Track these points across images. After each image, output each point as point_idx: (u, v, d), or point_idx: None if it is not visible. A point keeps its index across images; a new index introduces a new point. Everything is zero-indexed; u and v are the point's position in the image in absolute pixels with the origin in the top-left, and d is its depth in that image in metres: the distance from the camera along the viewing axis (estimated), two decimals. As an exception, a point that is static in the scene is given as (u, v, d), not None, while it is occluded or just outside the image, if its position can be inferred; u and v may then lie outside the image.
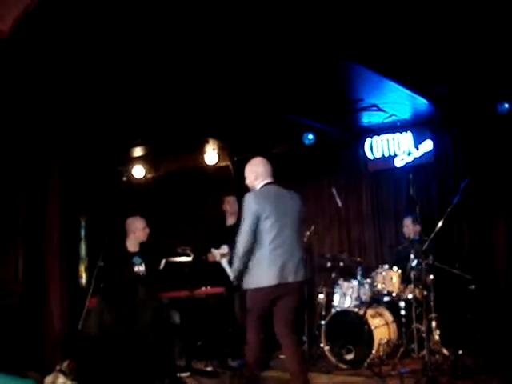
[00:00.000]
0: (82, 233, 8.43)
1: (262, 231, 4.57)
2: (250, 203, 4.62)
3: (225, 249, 6.87)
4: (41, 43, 4.82)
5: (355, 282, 6.71)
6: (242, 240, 4.60)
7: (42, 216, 6.40)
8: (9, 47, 4.47)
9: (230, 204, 7.22)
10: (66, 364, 5.03)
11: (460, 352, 5.54)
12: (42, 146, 6.44)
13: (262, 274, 4.55)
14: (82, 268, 8.20)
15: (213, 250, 6.93)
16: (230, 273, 6.53)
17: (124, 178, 7.50)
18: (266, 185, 4.81)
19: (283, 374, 5.87)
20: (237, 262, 4.68)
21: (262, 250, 4.58)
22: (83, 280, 8.13)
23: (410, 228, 6.96)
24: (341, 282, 6.84)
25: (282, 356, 6.17)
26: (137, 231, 6.11)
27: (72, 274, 6.90)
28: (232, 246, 6.80)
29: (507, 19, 4.90)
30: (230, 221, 7.21)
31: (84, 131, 7.05)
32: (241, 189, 8.30)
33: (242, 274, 4.69)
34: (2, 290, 5.98)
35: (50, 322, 6.23)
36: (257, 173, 4.85)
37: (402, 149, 7.95)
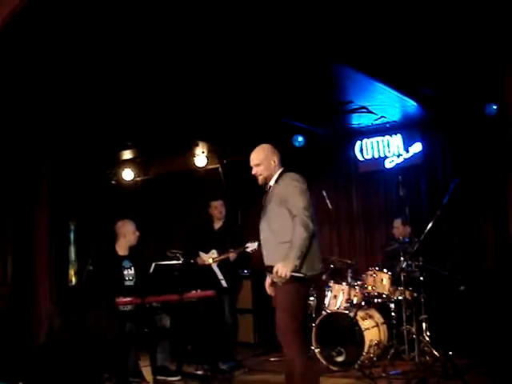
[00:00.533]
0: (72, 236, 8.39)
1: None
2: (303, 183, 4.21)
3: (214, 253, 6.85)
4: (28, 46, 4.81)
5: (346, 284, 6.71)
6: (310, 223, 4.05)
7: (31, 219, 6.39)
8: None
9: (217, 209, 7.17)
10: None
11: (450, 353, 5.55)
12: (31, 149, 6.44)
13: (315, 259, 4.17)
14: (72, 272, 8.16)
15: (201, 254, 6.91)
16: (220, 276, 6.55)
17: (113, 181, 7.49)
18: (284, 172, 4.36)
19: (273, 376, 5.89)
20: (301, 248, 4.02)
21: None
22: (72, 283, 8.09)
23: (399, 229, 7.00)
24: (331, 284, 6.84)
25: (272, 359, 6.20)
26: (127, 234, 6.08)
27: (61, 278, 6.87)
28: (220, 249, 6.81)
29: (494, 21, 4.93)
30: (217, 225, 7.18)
31: (73, 135, 7.03)
32: (230, 191, 8.36)
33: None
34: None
35: (38, 324, 6.20)
36: (278, 159, 4.37)
37: (391, 150, 7.98)
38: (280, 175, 4.31)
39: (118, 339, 5.16)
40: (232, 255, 6.66)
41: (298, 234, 4.00)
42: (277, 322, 4.10)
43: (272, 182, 4.33)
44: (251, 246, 6.40)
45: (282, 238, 4.10)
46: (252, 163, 4.38)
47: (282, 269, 3.94)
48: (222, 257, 6.73)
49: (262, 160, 4.33)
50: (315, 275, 4.21)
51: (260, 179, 4.37)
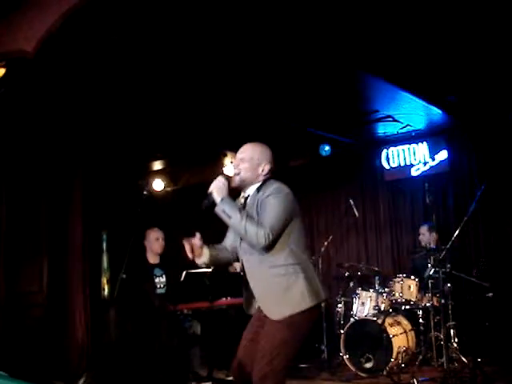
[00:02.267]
0: (104, 245, 8.56)
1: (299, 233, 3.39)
2: (290, 200, 3.35)
3: None
4: (64, 62, 4.98)
5: (373, 291, 6.75)
6: (270, 236, 3.19)
7: (66, 229, 6.54)
8: (35, 66, 4.64)
9: None
10: (83, 378, 5.13)
11: (479, 360, 5.56)
12: (65, 161, 6.59)
13: (318, 286, 3.29)
14: (104, 280, 8.31)
15: (234, 263, 7.01)
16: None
17: (145, 192, 7.62)
18: (272, 178, 3.53)
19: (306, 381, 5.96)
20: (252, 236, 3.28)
21: (297, 255, 3.29)
22: (105, 292, 8.25)
23: (426, 236, 6.99)
24: (359, 291, 6.88)
25: (302, 365, 6.25)
26: (151, 242, 6.21)
27: (95, 286, 7.02)
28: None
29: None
30: None
31: (105, 146, 7.20)
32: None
33: None
34: (27, 301, 6.12)
35: (73, 332, 6.35)
36: (268, 170, 3.53)
37: (417, 158, 8.02)
38: (264, 183, 3.46)
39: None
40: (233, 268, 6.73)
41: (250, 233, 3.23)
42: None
43: (251, 191, 3.51)
44: None
45: (273, 262, 3.28)
46: (237, 155, 3.61)
47: None
48: None
49: (249, 158, 3.54)
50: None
51: (235, 179, 3.55)
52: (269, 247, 3.23)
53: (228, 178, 3.52)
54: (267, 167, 3.52)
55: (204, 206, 3.57)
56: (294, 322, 3.18)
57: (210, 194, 3.49)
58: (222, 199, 3.43)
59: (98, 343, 5.33)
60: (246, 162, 3.52)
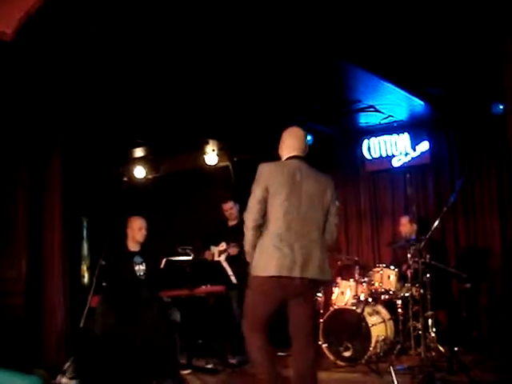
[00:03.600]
0: (84, 232, 8.51)
1: (269, 208, 3.80)
2: (261, 173, 3.88)
3: (223, 245, 6.95)
4: (44, 43, 4.91)
5: (353, 281, 6.79)
6: (248, 216, 3.84)
7: (45, 216, 6.47)
8: (13, 47, 4.57)
9: (227, 211, 7.25)
10: (67, 365, 5.11)
11: (456, 349, 5.63)
12: (44, 146, 6.52)
13: (264, 261, 3.77)
14: (84, 267, 8.28)
15: (212, 248, 7.02)
16: (230, 272, 6.64)
17: (125, 179, 7.58)
18: (290, 158, 4.07)
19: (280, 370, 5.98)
20: (247, 235, 3.87)
21: (266, 231, 3.81)
22: (85, 279, 8.22)
23: (406, 227, 7.02)
24: (339, 280, 6.92)
25: (280, 354, 6.29)
26: (133, 231, 6.18)
27: (74, 273, 6.97)
28: (230, 243, 6.92)
29: (500, 20, 4.99)
30: (232, 223, 7.29)
31: (86, 132, 7.14)
32: (240, 189, 8.43)
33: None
34: (5, 289, 6.05)
35: (52, 320, 6.30)
36: (284, 143, 4.15)
37: (399, 149, 8.05)
38: None
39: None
40: (232, 250, 6.75)
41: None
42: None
43: None
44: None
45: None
46: None
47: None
48: (223, 249, 6.82)
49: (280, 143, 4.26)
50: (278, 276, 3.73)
51: None
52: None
53: None
54: (284, 148, 4.18)
55: None
56: (251, 282, 3.89)
57: None
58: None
59: (81, 330, 5.29)
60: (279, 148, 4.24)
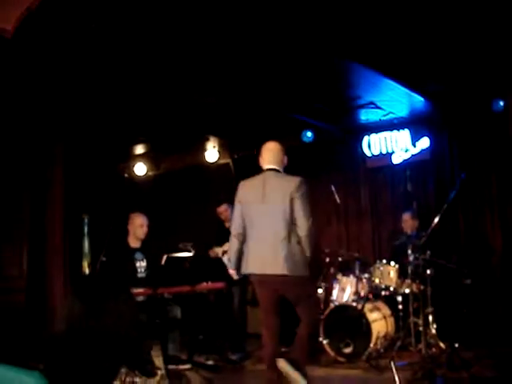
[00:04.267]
0: (85, 229, 8.52)
1: (245, 218, 4.58)
2: (238, 189, 4.71)
3: (227, 246, 6.96)
4: (45, 40, 4.91)
5: (353, 277, 6.78)
6: (232, 227, 4.74)
7: (46, 214, 6.49)
8: (14, 44, 4.57)
9: (222, 214, 7.27)
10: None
11: (456, 345, 5.63)
12: (47, 145, 6.53)
13: (247, 261, 4.59)
14: (85, 264, 8.30)
15: (215, 248, 7.04)
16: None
17: (125, 175, 7.61)
18: (264, 171, 4.67)
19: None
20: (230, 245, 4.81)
21: (247, 238, 4.59)
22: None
23: (408, 222, 7.01)
24: (339, 276, 6.92)
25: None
26: (134, 228, 6.19)
27: (75, 270, 6.99)
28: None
29: (502, 17, 5.00)
30: (228, 224, 7.29)
31: (87, 130, 7.14)
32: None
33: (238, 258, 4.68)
34: (7, 286, 6.08)
35: (54, 317, 6.32)
36: (261, 157, 4.73)
37: (399, 146, 8.05)
38: None
39: (138, 327, 5.27)
40: None
41: None
42: None
43: None
44: None
45: None
46: None
47: None
48: (227, 249, 6.84)
49: None
50: (255, 275, 4.59)
51: None
52: None
53: None
54: (262, 162, 4.75)
55: None
56: None
57: None
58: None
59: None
60: None
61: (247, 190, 4.65)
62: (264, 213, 4.47)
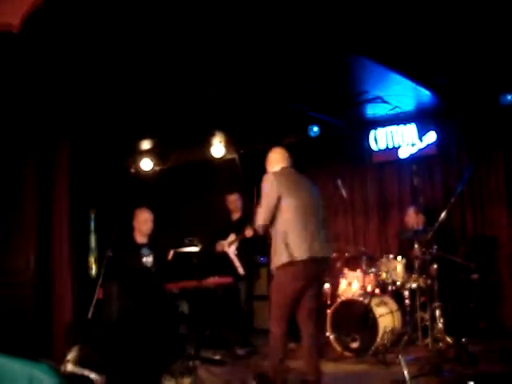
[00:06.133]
0: (92, 225, 8.54)
1: (288, 208, 4.60)
2: (270, 181, 4.72)
3: (232, 237, 6.97)
4: (51, 35, 4.92)
5: (360, 272, 6.79)
6: (260, 217, 4.66)
7: (53, 208, 6.50)
8: (20, 39, 4.57)
9: (233, 203, 7.30)
10: (72, 353, 5.12)
11: (463, 340, 5.63)
12: (53, 138, 6.54)
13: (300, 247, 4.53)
14: (92, 259, 8.32)
15: (221, 242, 7.05)
16: (237, 263, 6.67)
17: (132, 170, 7.61)
18: (283, 168, 4.94)
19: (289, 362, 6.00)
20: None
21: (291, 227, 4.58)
22: (93, 271, 8.25)
23: (412, 217, 7.02)
24: (346, 271, 6.93)
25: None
26: (137, 223, 6.20)
27: (82, 265, 7.01)
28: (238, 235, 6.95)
29: (509, 11, 4.96)
30: (235, 216, 7.31)
31: (93, 126, 7.15)
32: (247, 181, 8.44)
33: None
34: (14, 280, 6.10)
35: (60, 311, 6.34)
36: (270, 161, 5.02)
37: (405, 140, 8.03)
38: None
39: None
40: (248, 232, 6.74)
41: None
42: None
43: None
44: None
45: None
46: None
47: None
48: (239, 237, 6.85)
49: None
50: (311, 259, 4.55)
51: None
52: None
53: None
54: (271, 164, 5.09)
55: None
56: (276, 273, 4.61)
57: None
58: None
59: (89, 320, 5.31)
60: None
61: (290, 183, 4.75)
62: (311, 203, 4.74)
